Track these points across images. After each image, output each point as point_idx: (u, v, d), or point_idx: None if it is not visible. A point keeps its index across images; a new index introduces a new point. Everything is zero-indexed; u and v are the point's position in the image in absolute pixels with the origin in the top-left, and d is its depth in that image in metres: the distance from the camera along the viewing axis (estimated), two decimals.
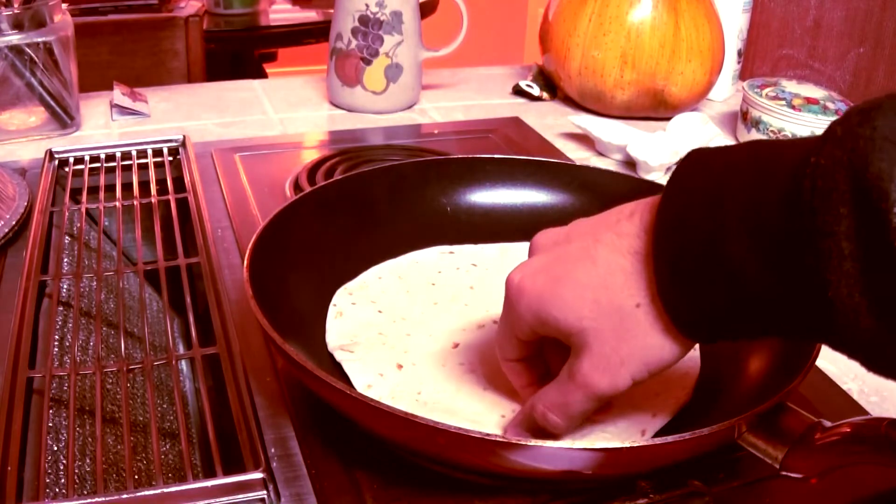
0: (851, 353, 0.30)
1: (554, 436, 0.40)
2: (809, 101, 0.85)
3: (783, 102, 0.85)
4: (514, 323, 0.39)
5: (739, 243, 0.31)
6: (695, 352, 0.49)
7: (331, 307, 0.52)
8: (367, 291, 0.54)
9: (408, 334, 0.50)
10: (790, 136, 0.84)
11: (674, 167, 0.35)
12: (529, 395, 0.41)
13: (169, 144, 0.77)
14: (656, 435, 0.43)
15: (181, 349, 0.58)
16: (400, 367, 0.47)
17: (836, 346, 0.31)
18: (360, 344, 0.49)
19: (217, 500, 0.38)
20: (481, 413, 0.44)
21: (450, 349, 0.49)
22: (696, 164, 0.34)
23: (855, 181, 0.27)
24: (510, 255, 0.58)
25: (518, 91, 1.04)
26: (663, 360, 0.36)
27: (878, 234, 0.27)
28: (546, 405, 0.39)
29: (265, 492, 0.38)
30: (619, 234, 0.36)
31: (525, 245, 0.44)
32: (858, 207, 0.27)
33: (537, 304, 0.37)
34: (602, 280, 0.36)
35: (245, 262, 0.46)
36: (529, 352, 0.41)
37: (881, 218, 0.26)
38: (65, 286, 0.56)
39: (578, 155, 0.86)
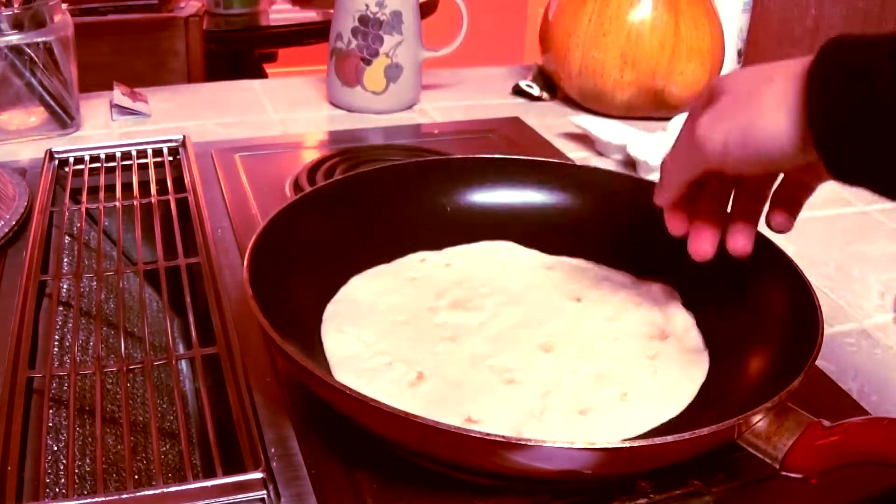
0: None
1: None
2: None
3: None
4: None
5: (887, 75, 0.32)
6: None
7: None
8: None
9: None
10: None
11: None
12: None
13: (169, 144, 0.77)
14: (659, 432, 0.43)
15: (181, 349, 0.58)
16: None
17: None
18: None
19: (217, 500, 0.38)
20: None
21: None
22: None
23: None
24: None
25: (518, 91, 1.04)
26: (762, 137, 0.37)
27: None
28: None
29: (265, 492, 0.38)
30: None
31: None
32: None
33: (718, 79, 0.41)
34: (763, 71, 0.39)
35: (245, 262, 0.46)
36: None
37: None
38: (65, 286, 0.56)
39: (578, 155, 0.86)
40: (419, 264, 0.58)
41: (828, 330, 0.43)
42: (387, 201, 0.59)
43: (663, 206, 0.47)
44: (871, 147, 0.34)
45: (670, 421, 0.44)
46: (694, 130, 0.40)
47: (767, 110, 0.37)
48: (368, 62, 0.92)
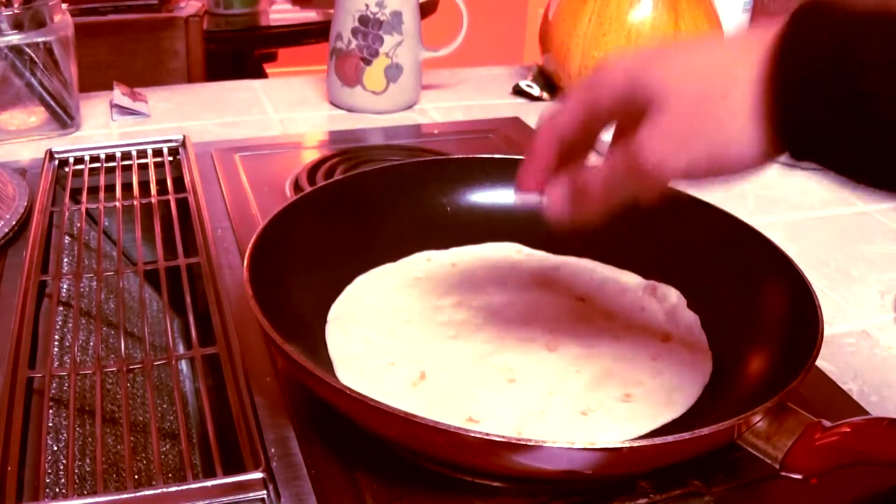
0: None
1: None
2: None
3: None
4: (600, 87, 0.37)
5: (871, 53, 0.29)
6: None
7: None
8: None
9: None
10: None
11: None
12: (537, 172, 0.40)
13: (169, 144, 0.77)
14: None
15: (181, 349, 0.58)
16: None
17: None
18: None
19: (217, 500, 0.38)
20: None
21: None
22: None
23: None
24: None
25: (518, 91, 1.04)
26: (729, 154, 0.33)
27: None
28: (589, 174, 0.38)
29: (265, 492, 0.38)
30: (751, 31, 0.35)
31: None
32: None
33: (638, 66, 0.36)
34: (712, 55, 0.34)
35: (245, 262, 0.46)
36: (582, 131, 0.39)
37: None
38: (65, 286, 0.56)
39: None
40: (425, 263, 0.58)
41: (828, 330, 0.43)
42: (387, 202, 0.59)
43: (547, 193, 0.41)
44: (848, 140, 0.31)
45: (671, 421, 0.44)
46: (640, 153, 0.34)
47: (732, 126, 0.33)
48: (368, 62, 0.92)
